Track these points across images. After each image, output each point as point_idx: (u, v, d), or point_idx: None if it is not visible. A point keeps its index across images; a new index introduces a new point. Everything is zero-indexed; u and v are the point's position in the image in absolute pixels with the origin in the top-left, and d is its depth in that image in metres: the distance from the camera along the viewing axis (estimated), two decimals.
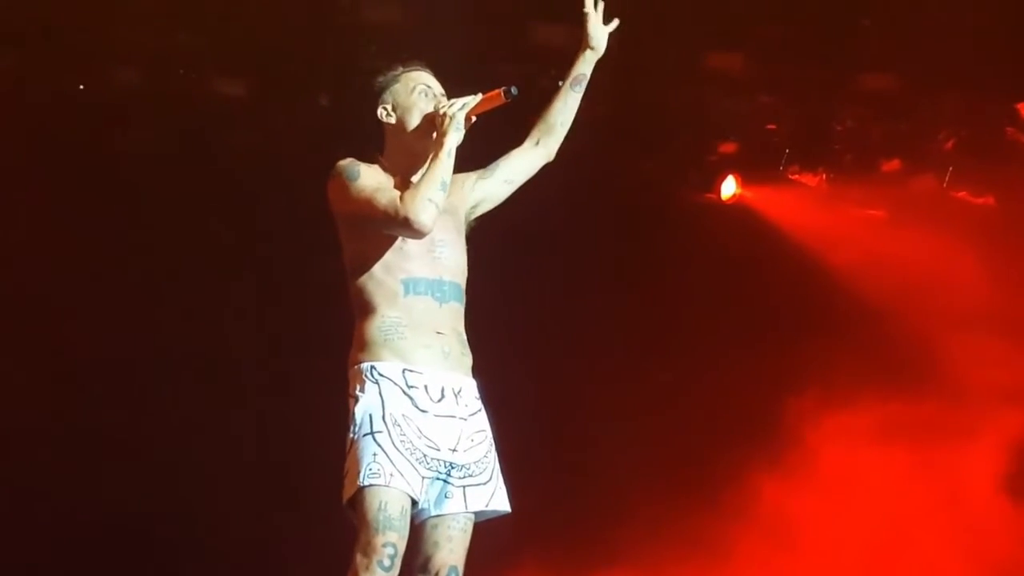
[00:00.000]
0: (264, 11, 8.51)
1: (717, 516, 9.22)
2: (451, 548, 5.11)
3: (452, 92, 5.24)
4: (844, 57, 9.07)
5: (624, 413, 9.56)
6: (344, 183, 5.16)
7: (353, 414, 5.10)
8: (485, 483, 5.17)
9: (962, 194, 9.90)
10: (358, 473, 4.99)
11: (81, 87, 8.85)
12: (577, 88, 5.48)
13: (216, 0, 8.53)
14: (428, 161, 5.13)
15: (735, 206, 9.95)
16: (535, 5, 8.50)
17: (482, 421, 5.23)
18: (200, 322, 9.25)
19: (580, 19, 5.44)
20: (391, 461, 4.99)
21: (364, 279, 5.17)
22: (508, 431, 5.31)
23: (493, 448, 5.23)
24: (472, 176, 5.41)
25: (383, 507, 4.94)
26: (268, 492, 9.20)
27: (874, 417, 9.23)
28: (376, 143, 5.31)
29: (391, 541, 4.93)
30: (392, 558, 4.93)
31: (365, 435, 5.04)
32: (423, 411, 5.09)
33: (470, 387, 5.23)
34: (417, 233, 5.07)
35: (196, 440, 9.14)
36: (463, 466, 5.13)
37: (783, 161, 9.82)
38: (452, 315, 5.21)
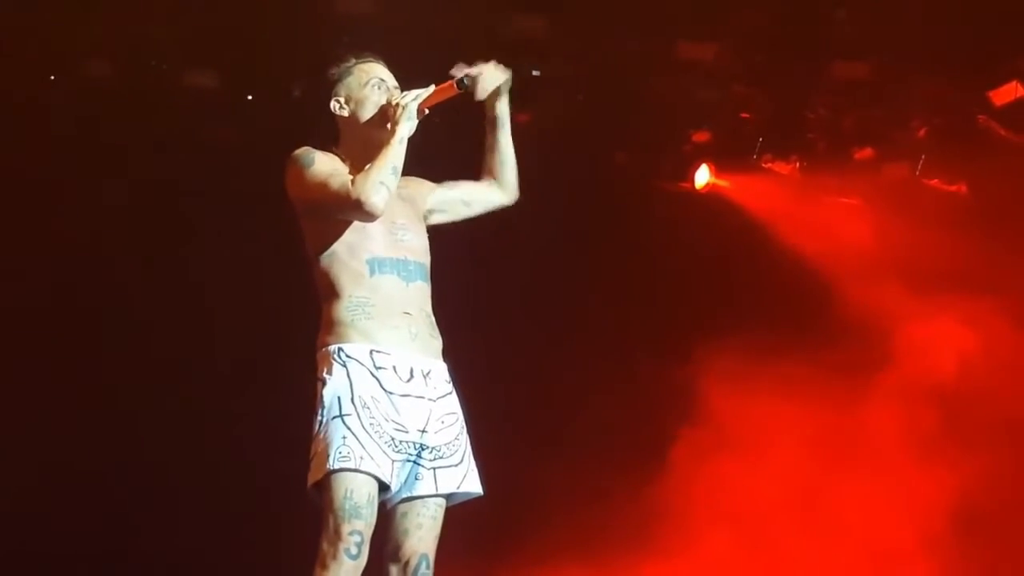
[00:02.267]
0: (236, 2, 8.48)
1: (666, 504, 9.25)
2: (420, 536, 5.10)
3: (426, 84, 5.24)
4: (817, 45, 9.06)
5: (589, 400, 9.54)
6: (299, 170, 5.19)
7: (321, 397, 5.09)
8: (456, 465, 5.16)
9: (934, 182, 9.93)
10: (327, 457, 4.97)
11: (52, 78, 8.82)
12: (503, 128, 5.45)
13: None
14: (381, 153, 5.14)
15: (709, 195, 9.97)
16: None
17: (452, 403, 5.23)
18: (171, 312, 9.23)
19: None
20: (360, 444, 4.97)
21: (328, 262, 5.18)
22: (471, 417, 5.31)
23: (465, 430, 5.23)
24: (432, 184, 5.48)
25: (349, 494, 4.93)
26: (240, 480, 9.18)
27: (844, 415, 9.29)
28: (331, 135, 5.33)
29: (357, 529, 4.92)
30: (359, 546, 4.92)
31: (334, 418, 5.03)
32: (390, 392, 5.07)
33: (440, 369, 5.23)
34: (368, 216, 5.09)
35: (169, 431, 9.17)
36: (433, 448, 5.12)
37: (756, 150, 9.84)
38: (419, 295, 5.22)
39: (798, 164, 9.88)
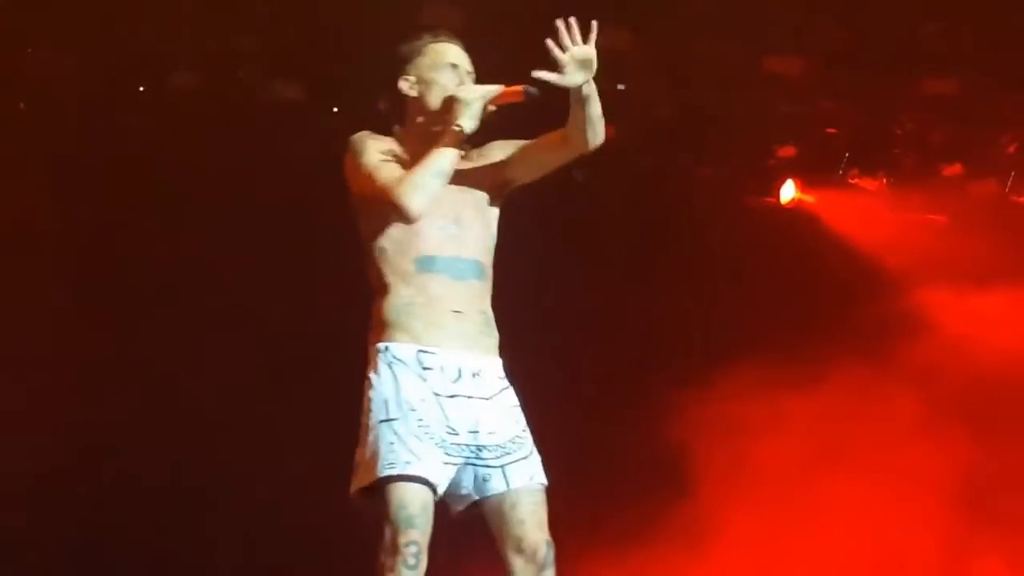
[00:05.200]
0: (322, 14, 8.52)
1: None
2: (537, 521, 4.99)
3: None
4: (905, 60, 8.99)
5: (660, 415, 9.52)
6: (351, 158, 5.07)
7: (368, 399, 4.98)
8: (526, 458, 5.02)
9: None
10: (375, 464, 4.87)
11: (140, 89, 8.89)
12: (591, 103, 4.96)
13: (274, 3, 8.53)
14: (432, 150, 4.96)
15: (794, 210, 9.91)
16: (594, 9, 8.46)
17: (511, 397, 5.07)
18: (251, 322, 9.28)
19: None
20: (408, 448, 4.86)
21: (378, 257, 5.04)
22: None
23: (526, 423, 5.09)
24: (510, 146, 5.19)
25: (403, 504, 4.83)
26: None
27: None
28: (396, 114, 5.18)
29: (414, 540, 4.82)
30: (416, 556, 4.82)
31: (381, 422, 4.91)
32: (438, 394, 4.95)
33: (491, 367, 5.05)
34: (405, 218, 4.92)
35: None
36: (496, 446, 5.00)
37: (843, 165, 9.77)
38: (471, 292, 5.04)
39: (885, 180, 9.80)
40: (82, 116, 8.86)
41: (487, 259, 5.12)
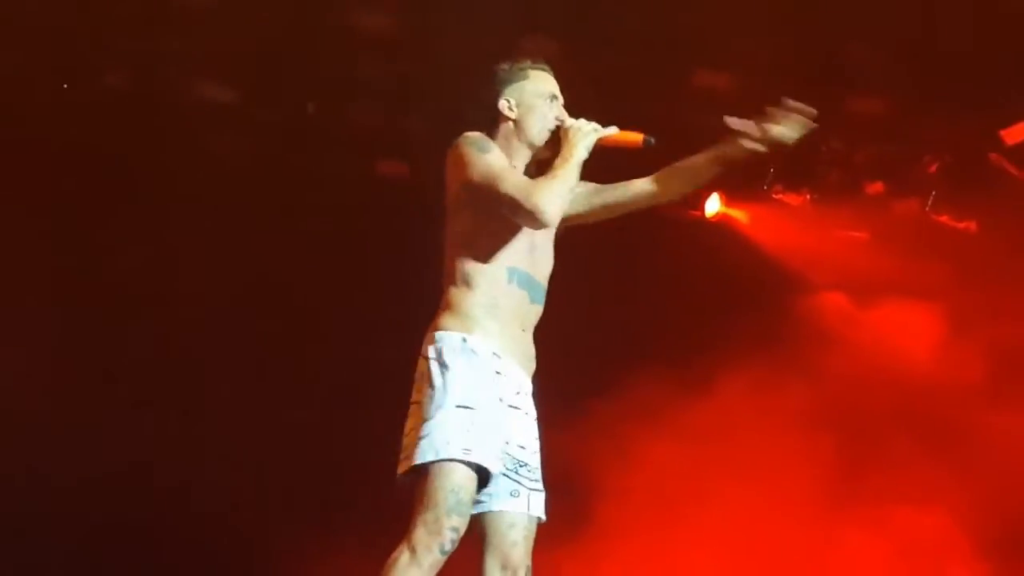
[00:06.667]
0: (254, 17, 8.50)
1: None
2: (527, 549, 5.08)
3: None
4: (831, 79, 9.05)
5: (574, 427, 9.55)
6: (473, 153, 5.05)
7: (441, 380, 4.95)
8: (542, 490, 5.15)
9: (944, 218, 9.93)
10: (444, 443, 4.86)
11: (64, 86, 8.83)
12: (723, 166, 5.46)
13: (204, 4, 8.51)
14: (555, 167, 5.06)
15: (719, 223, 9.97)
16: (528, 16, 8.50)
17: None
18: (180, 330, 9.24)
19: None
20: (483, 441, 4.90)
21: (469, 255, 5.08)
22: None
23: None
24: (582, 185, 5.31)
25: (456, 489, 4.85)
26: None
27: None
28: (484, 127, 5.21)
29: (456, 526, 4.84)
30: (453, 543, 4.85)
31: (458, 407, 4.92)
32: (501, 399, 5.02)
33: (531, 392, 5.18)
34: (539, 224, 4.99)
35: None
36: (532, 468, 5.11)
37: (768, 180, 9.83)
38: (535, 316, 5.17)
39: (808, 196, 9.88)
40: (5, 113, 8.80)
41: (546, 286, 5.23)
